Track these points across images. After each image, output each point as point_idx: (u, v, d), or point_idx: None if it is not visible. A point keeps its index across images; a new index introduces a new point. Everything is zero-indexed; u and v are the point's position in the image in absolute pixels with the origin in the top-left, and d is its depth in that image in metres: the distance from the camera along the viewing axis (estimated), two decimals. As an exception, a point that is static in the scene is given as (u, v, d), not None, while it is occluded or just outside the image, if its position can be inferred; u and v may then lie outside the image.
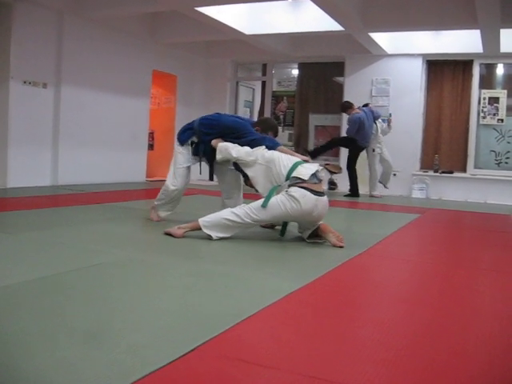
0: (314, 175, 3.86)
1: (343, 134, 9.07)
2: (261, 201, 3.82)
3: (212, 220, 3.85)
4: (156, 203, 4.66)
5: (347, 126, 8.48)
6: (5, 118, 6.85)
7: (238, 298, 2.50)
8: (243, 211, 3.81)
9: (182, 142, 4.52)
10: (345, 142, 8.67)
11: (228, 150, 4.15)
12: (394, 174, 9.12)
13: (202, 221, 3.86)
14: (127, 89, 8.73)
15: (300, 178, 3.80)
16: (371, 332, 2.09)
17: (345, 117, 8.95)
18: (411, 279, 3.27)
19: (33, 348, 1.74)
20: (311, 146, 10.22)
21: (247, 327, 2.08)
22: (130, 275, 2.87)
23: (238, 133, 4.27)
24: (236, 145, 4.18)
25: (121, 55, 8.55)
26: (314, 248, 3.88)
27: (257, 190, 4.15)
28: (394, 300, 2.71)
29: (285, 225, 4.17)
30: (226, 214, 3.86)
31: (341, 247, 3.85)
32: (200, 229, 3.84)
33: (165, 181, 4.63)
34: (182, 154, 4.51)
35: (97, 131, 8.19)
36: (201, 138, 4.45)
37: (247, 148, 4.12)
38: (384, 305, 2.60)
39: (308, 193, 3.77)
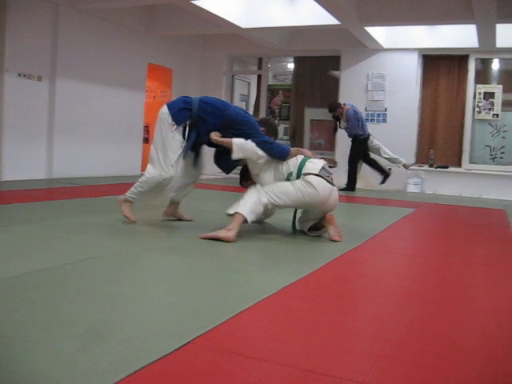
0: (324, 169, 3.87)
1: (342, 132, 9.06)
2: (276, 185, 3.79)
3: (252, 208, 3.70)
4: (130, 195, 4.11)
5: (348, 127, 8.44)
6: (-1, 110, 6.83)
7: (234, 292, 2.50)
8: (267, 195, 3.74)
9: (178, 122, 3.90)
10: (357, 146, 8.56)
11: (253, 149, 3.83)
12: (390, 169, 9.14)
13: (243, 211, 3.67)
14: (122, 82, 8.70)
15: (311, 173, 3.79)
16: (366, 325, 2.10)
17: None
18: (406, 273, 3.28)
19: (29, 341, 1.74)
20: (306, 141, 10.23)
21: (242, 321, 2.08)
22: (127, 268, 2.87)
23: (243, 130, 3.87)
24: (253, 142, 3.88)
25: (116, 48, 8.51)
26: (309, 242, 3.89)
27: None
28: (389, 293, 2.72)
29: (294, 221, 4.18)
30: (260, 200, 3.73)
31: (336, 241, 3.87)
32: (246, 221, 3.69)
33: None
34: (177, 138, 3.91)
35: (92, 124, 8.17)
36: (198, 124, 3.91)
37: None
38: (379, 298, 2.61)
39: (324, 180, 3.80)
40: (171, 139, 3.90)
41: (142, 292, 2.42)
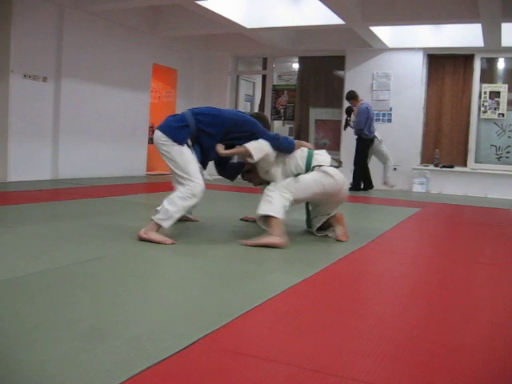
0: (333, 160, 3.92)
1: (342, 130, 9.05)
2: (294, 179, 3.74)
3: (279, 208, 3.63)
4: (168, 223, 3.53)
5: (356, 120, 8.41)
6: (5, 111, 6.85)
7: (239, 292, 2.50)
8: (288, 190, 3.69)
9: (181, 142, 3.56)
10: (362, 147, 8.56)
11: (268, 146, 3.71)
12: (395, 169, 9.13)
13: (277, 214, 3.59)
14: (127, 83, 8.72)
15: (322, 165, 3.80)
16: (371, 325, 2.10)
17: (344, 115, 8.95)
18: (411, 273, 3.27)
19: (33, 340, 1.74)
20: (311, 140, 10.22)
21: (247, 321, 2.08)
22: (131, 269, 2.87)
23: (248, 130, 3.73)
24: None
25: (121, 49, 8.53)
26: (314, 242, 3.89)
27: (255, 185, 4.18)
28: (395, 293, 2.71)
29: (308, 217, 4.17)
30: (283, 199, 3.66)
31: (342, 241, 3.87)
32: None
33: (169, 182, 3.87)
34: (186, 151, 3.57)
35: (97, 125, 8.19)
36: (199, 138, 3.66)
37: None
38: (384, 298, 2.61)
39: (337, 170, 3.83)
40: (180, 154, 3.55)
41: (146, 292, 2.42)
